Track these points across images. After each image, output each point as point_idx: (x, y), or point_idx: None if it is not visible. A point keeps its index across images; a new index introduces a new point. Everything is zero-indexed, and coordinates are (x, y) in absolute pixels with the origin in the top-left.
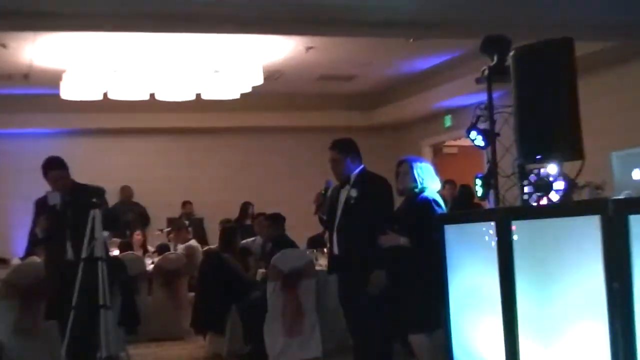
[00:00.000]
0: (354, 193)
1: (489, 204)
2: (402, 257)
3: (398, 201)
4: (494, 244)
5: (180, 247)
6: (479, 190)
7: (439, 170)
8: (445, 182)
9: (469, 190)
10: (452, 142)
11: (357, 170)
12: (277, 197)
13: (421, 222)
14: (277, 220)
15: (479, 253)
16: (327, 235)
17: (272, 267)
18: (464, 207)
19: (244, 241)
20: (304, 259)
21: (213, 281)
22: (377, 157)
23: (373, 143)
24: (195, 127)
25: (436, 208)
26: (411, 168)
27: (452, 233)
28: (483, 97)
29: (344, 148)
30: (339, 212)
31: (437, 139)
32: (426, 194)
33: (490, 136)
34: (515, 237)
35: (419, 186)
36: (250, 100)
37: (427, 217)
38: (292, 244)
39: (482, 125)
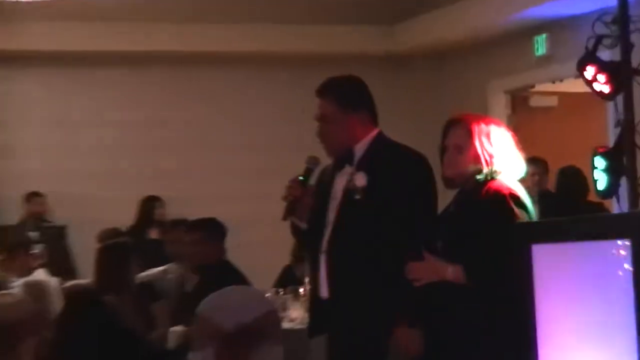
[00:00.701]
0: (360, 180)
1: (617, 206)
2: (452, 303)
3: (444, 198)
4: (627, 277)
5: (19, 283)
6: (601, 179)
7: (522, 141)
8: (531, 162)
9: (579, 179)
10: (548, 87)
11: (367, 139)
12: (212, 189)
13: (488, 238)
14: (210, 232)
15: (597, 293)
16: (307, 263)
17: (202, 320)
18: (569, 211)
19: (144, 273)
20: (261, 307)
21: (83, 346)
22: (405, 114)
23: (397, 86)
24: (49, 52)
25: (517, 211)
26: (470, 136)
27: (547, 258)
28: (609, 0)
29: (343, 95)
30: (331, 216)
31: (518, 80)
32: (497, 184)
33: (622, 75)
34: None
35: (486, 170)
36: (160, 3)
37: (500, 228)
38: (237, 278)
39: (606, 55)
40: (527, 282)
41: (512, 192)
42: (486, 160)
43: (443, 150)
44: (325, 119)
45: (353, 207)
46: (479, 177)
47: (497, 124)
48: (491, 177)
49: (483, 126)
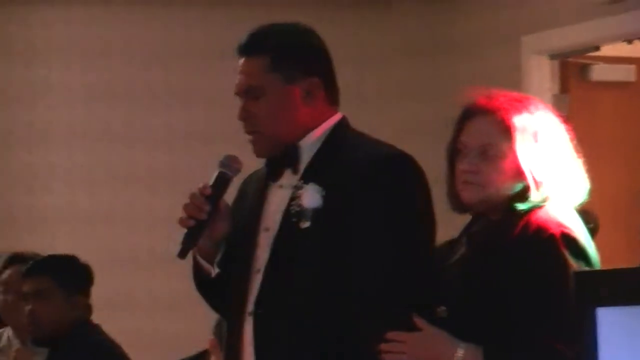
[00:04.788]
0: (310, 198)
1: None
2: None
3: (447, 227)
4: None
5: None
6: None
7: (578, 137)
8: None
9: None
10: (622, 48)
11: (321, 128)
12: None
13: (527, 304)
14: (64, 279)
15: None
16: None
17: None
18: None
19: None
20: None
21: None
22: (392, 89)
23: (379, 45)
24: None
25: (571, 262)
26: (509, 136)
27: (621, 330)
28: None
29: (285, 54)
30: (261, 256)
31: (571, 36)
32: (542, 217)
33: None
34: None
35: (535, 196)
36: None
37: (546, 289)
38: (111, 354)
39: None
40: None
41: (566, 230)
42: (535, 180)
43: (454, 151)
44: (253, 91)
45: (298, 243)
46: (520, 206)
47: (550, 116)
48: (534, 205)
49: (527, 118)
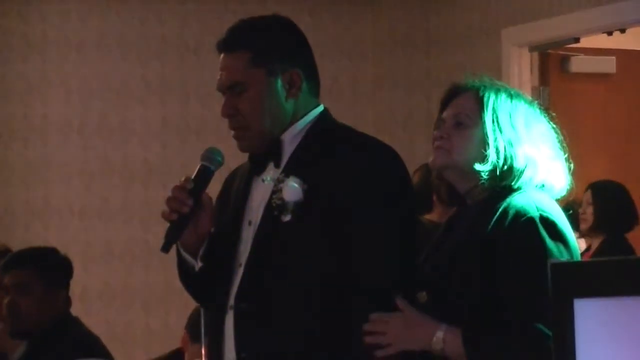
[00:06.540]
0: (291, 192)
1: None
2: None
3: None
4: None
5: None
6: None
7: (561, 130)
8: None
9: (620, 201)
10: (601, 40)
11: (303, 121)
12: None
13: (506, 288)
14: (44, 271)
15: None
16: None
17: None
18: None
19: None
20: None
21: None
22: (371, 82)
23: (359, 39)
24: None
25: (550, 245)
26: (480, 108)
27: (598, 322)
28: None
29: (265, 48)
30: (244, 250)
31: (552, 29)
32: (522, 199)
33: None
34: None
35: (493, 160)
36: None
37: (524, 273)
38: (90, 346)
39: None
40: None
41: (544, 214)
42: (505, 155)
43: (438, 127)
44: (236, 87)
45: (279, 236)
46: (478, 167)
47: (531, 109)
48: (512, 187)
49: (504, 98)
